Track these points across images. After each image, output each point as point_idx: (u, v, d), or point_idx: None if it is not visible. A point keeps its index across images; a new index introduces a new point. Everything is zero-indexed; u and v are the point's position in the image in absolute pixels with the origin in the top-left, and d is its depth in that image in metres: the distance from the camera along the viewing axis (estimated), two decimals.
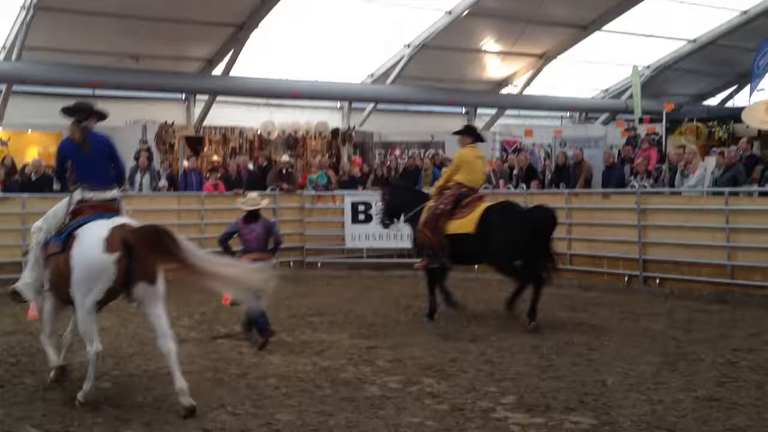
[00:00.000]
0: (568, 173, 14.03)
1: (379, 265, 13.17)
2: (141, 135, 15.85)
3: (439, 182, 9.29)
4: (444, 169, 9.31)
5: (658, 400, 5.77)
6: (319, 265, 13.72)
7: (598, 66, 21.43)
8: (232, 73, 17.28)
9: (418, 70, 18.88)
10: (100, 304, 5.78)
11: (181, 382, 5.60)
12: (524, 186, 13.58)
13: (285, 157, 15.47)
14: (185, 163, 14.65)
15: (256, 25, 16.22)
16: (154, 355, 7.23)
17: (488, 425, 5.31)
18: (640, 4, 18.30)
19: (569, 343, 7.66)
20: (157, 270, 5.78)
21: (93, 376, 5.71)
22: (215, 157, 16.46)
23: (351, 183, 14.91)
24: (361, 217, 13.46)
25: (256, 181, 14.35)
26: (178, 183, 14.06)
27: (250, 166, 15.14)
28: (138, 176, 13.58)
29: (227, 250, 8.06)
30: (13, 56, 15.00)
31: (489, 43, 19.32)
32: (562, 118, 23.86)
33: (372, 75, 19.57)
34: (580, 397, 5.85)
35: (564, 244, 12.14)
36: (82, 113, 6.44)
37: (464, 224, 8.58)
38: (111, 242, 5.59)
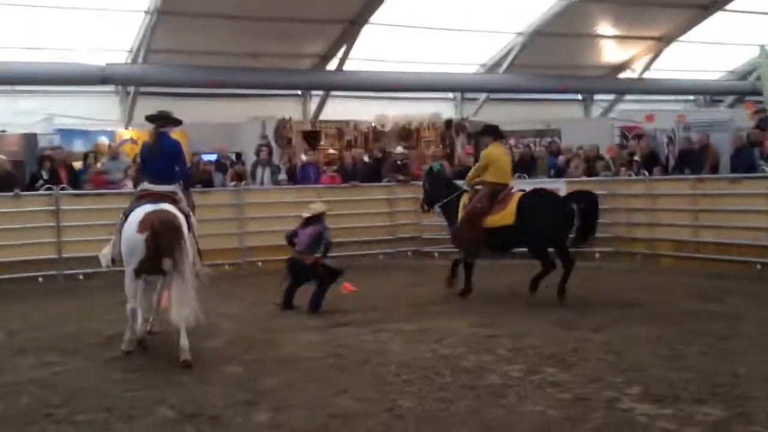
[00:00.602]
0: (693, 158, 13.47)
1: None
2: (261, 130, 16.41)
3: (471, 174, 10.08)
4: (476, 165, 10.32)
5: None
6: (435, 254, 13.79)
7: (723, 47, 20.43)
8: (346, 67, 17.53)
9: (531, 57, 18.54)
10: (140, 273, 7.00)
11: (184, 341, 6.63)
12: (646, 173, 13.13)
13: (399, 149, 15.63)
14: (303, 157, 15.01)
15: (367, 20, 16.39)
16: (281, 342, 7.52)
17: (613, 415, 5.17)
18: None
19: (696, 332, 7.38)
20: (175, 250, 6.76)
21: (130, 326, 7.06)
22: (331, 151, 16.79)
23: (465, 173, 14.79)
24: None
25: (371, 173, 14.56)
26: (296, 176, 14.42)
27: (366, 159, 15.35)
28: (259, 170, 14.07)
29: (291, 245, 9.34)
30: (140, 59, 15.79)
31: (604, 28, 18.75)
32: (685, 101, 22.88)
33: (484, 65, 19.42)
34: (710, 388, 5.61)
35: (690, 232, 11.71)
36: (161, 120, 7.64)
37: (503, 217, 9.40)
38: (143, 225, 6.83)
